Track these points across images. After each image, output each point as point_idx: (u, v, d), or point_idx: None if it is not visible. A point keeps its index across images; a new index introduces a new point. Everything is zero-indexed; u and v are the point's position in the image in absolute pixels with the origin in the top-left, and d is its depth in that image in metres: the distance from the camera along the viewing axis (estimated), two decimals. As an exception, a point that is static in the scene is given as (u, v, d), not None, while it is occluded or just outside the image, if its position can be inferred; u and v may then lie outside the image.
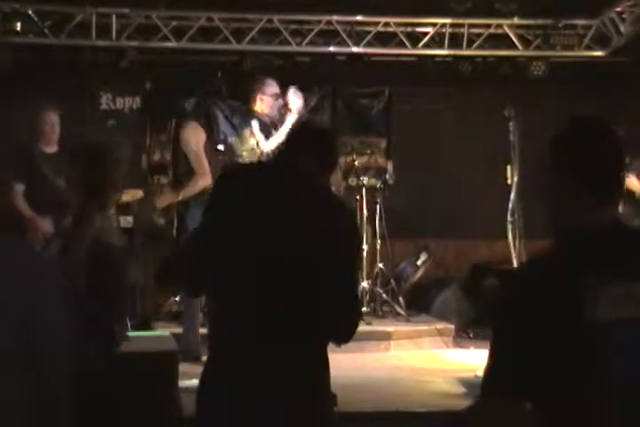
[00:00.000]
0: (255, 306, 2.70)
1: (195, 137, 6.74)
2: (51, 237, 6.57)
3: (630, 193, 7.06)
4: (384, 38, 8.73)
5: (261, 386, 2.67)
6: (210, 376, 2.76)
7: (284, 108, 6.79)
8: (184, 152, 6.75)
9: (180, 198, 6.74)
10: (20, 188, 6.57)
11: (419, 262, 8.83)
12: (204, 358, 5.49)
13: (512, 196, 5.67)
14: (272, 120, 6.84)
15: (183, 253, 2.95)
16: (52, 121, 6.72)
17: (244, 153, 6.76)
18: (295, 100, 6.79)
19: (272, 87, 6.81)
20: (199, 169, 6.64)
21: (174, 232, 7.27)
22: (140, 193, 7.15)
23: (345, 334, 2.85)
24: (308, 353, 2.74)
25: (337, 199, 2.99)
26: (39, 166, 6.63)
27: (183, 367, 4.68)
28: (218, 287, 2.81)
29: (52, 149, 6.75)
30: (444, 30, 8.62)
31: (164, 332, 5.98)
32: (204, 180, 6.58)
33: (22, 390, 1.93)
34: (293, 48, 8.59)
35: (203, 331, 6.20)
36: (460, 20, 8.53)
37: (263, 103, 6.80)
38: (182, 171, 6.84)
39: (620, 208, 7.27)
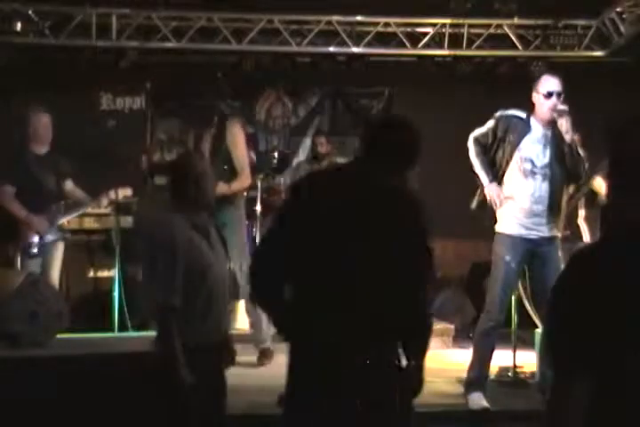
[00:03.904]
0: (333, 307, 2.83)
1: (241, 137, 6.53)
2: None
3: (595, 195, 7.01)
4: (384, 38, 8.73)
5: (340, 386, 2.82)
6: (296, 378, 2.95)
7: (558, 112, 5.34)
8: (228, 151, 6.40)
9: (229, 192, 6.33)
10: (10, 189, 6.51)
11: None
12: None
13: (512, 196, 5.66)
14: (547, 124, 5.42)
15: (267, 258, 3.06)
16: (45, 123, 6.65)
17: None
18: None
19: (546, 84, 5.43)
20: (245, 169, 6.46)
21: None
22: (128, 191, 7.03)
23: (417, 333, 3.07)
24: (381, 353, 2.88)
25: (407, 199, 3.04)
26: (29, 168, 6.57)
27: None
28: (298, 291, 2.94)
29: (42, 150, 6.70)
30: (443, 30, 8.62)
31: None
32: (247, 181, 6.50)
33: None
34: (293, 48, 8.58)
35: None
36: (460, 20, 8.53)
37: (535, 103, 5.46)
38: (220, 169, 6.30)
39: (584, 211, 7.08)
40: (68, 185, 6.76)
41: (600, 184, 6.93)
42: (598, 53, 8.76)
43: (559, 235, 5.46)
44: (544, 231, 5.34)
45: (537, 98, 5.41)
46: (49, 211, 6.63)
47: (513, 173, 5.36)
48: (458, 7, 8.29)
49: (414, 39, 8.70)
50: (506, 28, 8.67)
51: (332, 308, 2.83)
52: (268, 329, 6.36)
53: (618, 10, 8.31)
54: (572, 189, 5.81)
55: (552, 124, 5.37)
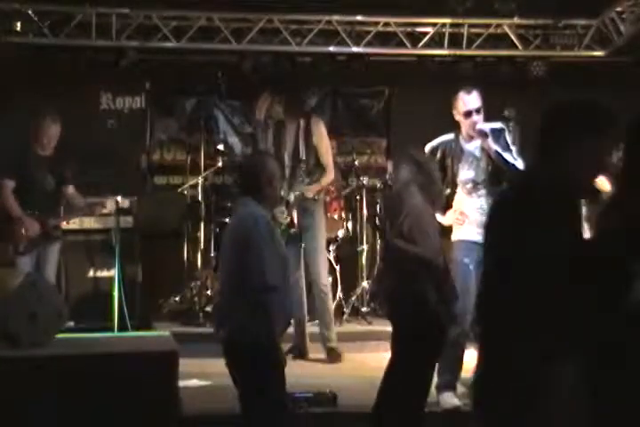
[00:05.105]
0: None
1: (325, 133, 6.88)
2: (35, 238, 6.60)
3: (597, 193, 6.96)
4: (384, 38, 8.72)
5: None
6: None
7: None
8: (314, 147, 6.76)
9: (321, 189, 6.83)
10: (10, 184, 6.60)
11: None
12: None
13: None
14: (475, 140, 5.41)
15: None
16: (53, 133, 6.70)
17: None
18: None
19: (463, 102, 5.42)
20: (331, 164, 6.84)
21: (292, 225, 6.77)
22: (125, 201, 7.20)
23: None
24: None
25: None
26: (29, 167, 6.63)
27: (183, 367, 4.67)
28: None
29: (46, 152, 6.75)
30: (443, 30, 8.62)
31: (163, 332, 5.99)
32: (333, 174, 6.88)
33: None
34: (293, 48, 8.57)
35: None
36: (460, 20, 8.52)
37: (461, 123, 5.39)
38: (311, 165, 6.78)
39: (585, 210, 7.12)
40: (70, 190, 6.83)
41: (603, 182, 6.91)
42: (598, 53, 8.75)
43: None
44: None
45: (457, 117, 5.37)
46: (44, 211, 6.65)
47: (459, 194, 5.41)
48: (458, 7, 8.28)
49: (414, 39, 8.69)
50: (506, 28, 8.66)
51: None
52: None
53: (618, 10, 8.31)
54: None
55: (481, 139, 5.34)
